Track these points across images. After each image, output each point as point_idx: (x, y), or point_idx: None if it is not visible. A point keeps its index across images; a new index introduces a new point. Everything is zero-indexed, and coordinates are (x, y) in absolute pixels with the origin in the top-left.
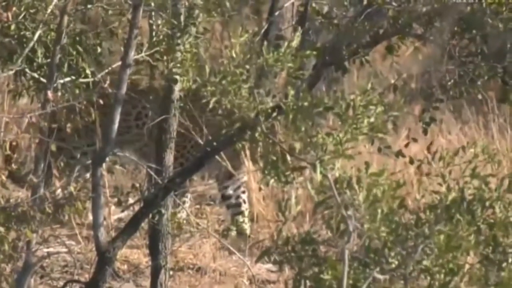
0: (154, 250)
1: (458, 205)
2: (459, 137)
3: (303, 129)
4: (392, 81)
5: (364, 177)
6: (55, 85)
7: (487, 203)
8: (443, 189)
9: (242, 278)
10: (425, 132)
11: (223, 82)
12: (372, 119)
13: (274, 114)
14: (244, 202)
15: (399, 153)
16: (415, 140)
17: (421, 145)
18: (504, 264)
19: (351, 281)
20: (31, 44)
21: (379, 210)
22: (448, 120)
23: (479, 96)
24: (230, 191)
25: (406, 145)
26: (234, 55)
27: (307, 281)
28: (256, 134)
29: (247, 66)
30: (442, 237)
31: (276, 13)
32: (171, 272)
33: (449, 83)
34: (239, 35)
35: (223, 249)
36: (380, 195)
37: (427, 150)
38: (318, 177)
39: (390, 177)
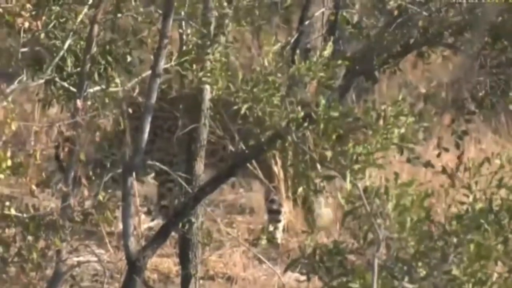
0: (184, 259)
1: (486, 215)
2: (490, 146)
3: (333, 137)
4: (422, 90)
5: (393, 187)
6: (85, 94)
7: None
8: (470, 199)
9: (272, 287)
10: (457, 145)
11: (255, 89)
12: (402, 130)
13: (305, 123)
14: (285, 212)
15: (428, 164)
16: (446, 149)
17: (453, 154)
18: None
19: None
20: (61, 53)
21: (408, 219)
22: (478, 128)
23: (511, 107)
24: (275, 196)
25: (438, 155)
26: (266, 63)
27: None
28: (287, 143)
29: (279, 75)
30: (472, 246)
31: (306, 23)
32: (201, 281)
33: (480, 94)
34: (271, 43)
35: (253, 258)
36: (409, 204)
37: (458, 159)
38: (348, 186)
39: (419, 187)
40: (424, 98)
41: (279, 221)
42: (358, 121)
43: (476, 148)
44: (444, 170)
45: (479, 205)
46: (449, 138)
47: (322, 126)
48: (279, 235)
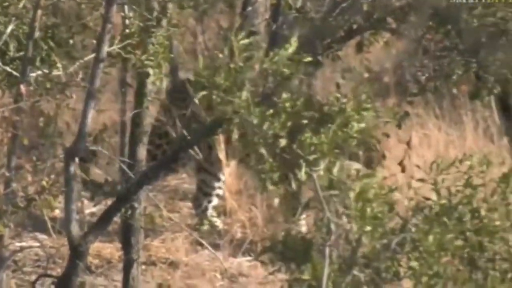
0: (126, 245)
1: (448, 211)
2: (433, 132)
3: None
4: (366, 75)
5: (356, 179)
6: (27, 78)
7: (475, 212)
8: (434, 196)
9: (215, 272)
10: (399, 126)
11: (216, 77)
12: (362, 124)
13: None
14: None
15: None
16: (387, 135)
17: (395, 140)
18: (491, 271)
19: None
20: (3, 38)
21: (369, 210)
22: (421, 114)
23: (454, 91)
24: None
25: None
26: (236, 53)
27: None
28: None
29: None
30: (430, 238)
31: (250, 8)
32: (143, 267)
33: (423, 78)
34: (240, 36)
35: (196, 244)
36: (372, 197)
37: (407, 145)
38: (303, 176)
39: (381, 181)
40: (368, 83)
41: (210, 201)
42: (320, 113)
43: (419, 133)
44: (383, 155)
45: (442, 201)
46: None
47: (284, 117)
48: (210, 212)
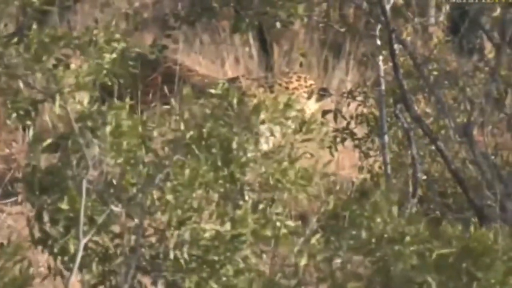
0: None
1: (197, 141)
2: (194, 67)
3: (44, 58)
4: (124, 10)
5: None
6: None
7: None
8: (182, 127)
9: None
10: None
11: None
12: (114, 55)
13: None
14: None
15: None
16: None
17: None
18: (241, 202)
19: (89, 212)
20: None
21: (125, 143)
22: (182, 49)
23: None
24: None
25: None
26: None
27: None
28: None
29: None
30: (187, 172)
31: None
32: None
33: (182, 11)
34: None
35: None
36: (126, 129)
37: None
38: (57, 110)
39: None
40: (126, 17)
41: None
42: (71, 45)
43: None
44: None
45: (191, 133)
46: None
47: (33, 49)
48: None
